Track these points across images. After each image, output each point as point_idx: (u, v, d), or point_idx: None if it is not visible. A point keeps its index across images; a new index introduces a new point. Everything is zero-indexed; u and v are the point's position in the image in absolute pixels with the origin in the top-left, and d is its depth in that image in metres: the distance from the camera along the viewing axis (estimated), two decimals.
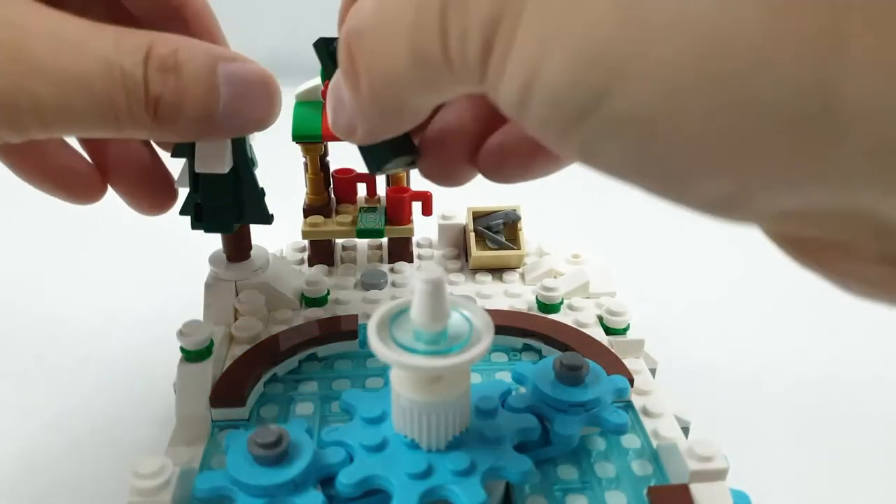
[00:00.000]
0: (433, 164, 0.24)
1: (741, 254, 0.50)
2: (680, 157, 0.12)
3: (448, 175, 0.24)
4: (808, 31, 0.11)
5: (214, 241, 0.32)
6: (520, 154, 0.23)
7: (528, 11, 0.13)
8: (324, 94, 0.32)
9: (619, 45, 0.12)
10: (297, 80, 0.33)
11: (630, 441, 0.25)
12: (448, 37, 0.15)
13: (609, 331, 0.31)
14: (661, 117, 0.12)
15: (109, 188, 0.29)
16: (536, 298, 0.32)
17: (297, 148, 0.34)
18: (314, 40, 0.24)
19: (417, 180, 0.36)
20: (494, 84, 0.15)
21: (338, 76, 0.19)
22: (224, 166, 0.29)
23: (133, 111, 0.20)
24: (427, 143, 0.24)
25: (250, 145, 0.29)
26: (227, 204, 0.29)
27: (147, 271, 0.48)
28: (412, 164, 0.24)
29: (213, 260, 0.32)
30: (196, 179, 0.29)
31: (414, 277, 0.34)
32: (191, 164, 0.29)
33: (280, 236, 0.36)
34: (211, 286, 0.31)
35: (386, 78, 0.17)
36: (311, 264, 0.37)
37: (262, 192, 0.30)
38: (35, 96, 0.19)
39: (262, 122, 0.23)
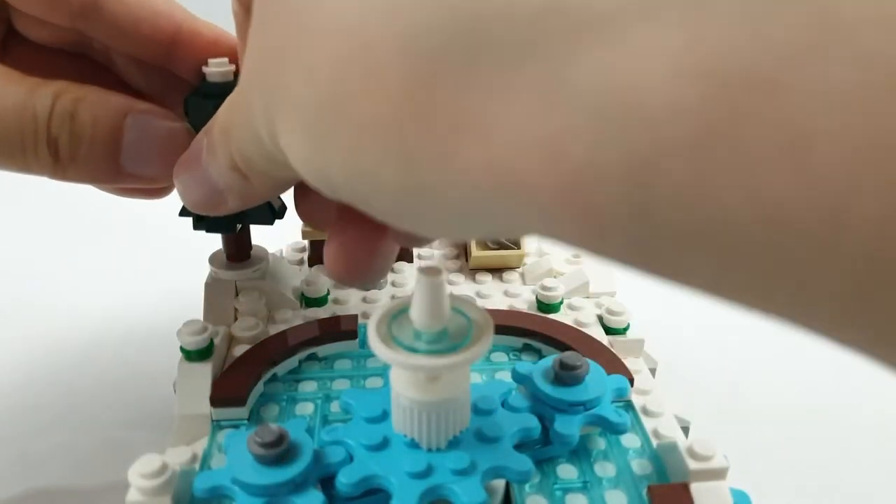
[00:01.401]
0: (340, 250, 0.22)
1: None
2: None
3: (358, 266, 0.22)
4: None
5: (214, 241, 0.32)
6: None
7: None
8: None
9: None
10: None
11: (630, 441, 0.25)
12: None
13: (609, 331, 0.31)
14: None
15: None
16: (536, 298, 0.32)
17: None
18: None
19: None
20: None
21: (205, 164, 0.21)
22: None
23: (38, 149, 0.22)
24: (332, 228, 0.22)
25: None
26: None
27: (147, 271, 0.48)
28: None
29: (213, 260, 0.32)
30: None
31: (414, 277, 0.34)
32: None
33: (280, 236, 0.36)
34: (211, 286, 0.31)
35: (248, 160, 0.19)
36: (311, 264, 0.37)
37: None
38: None
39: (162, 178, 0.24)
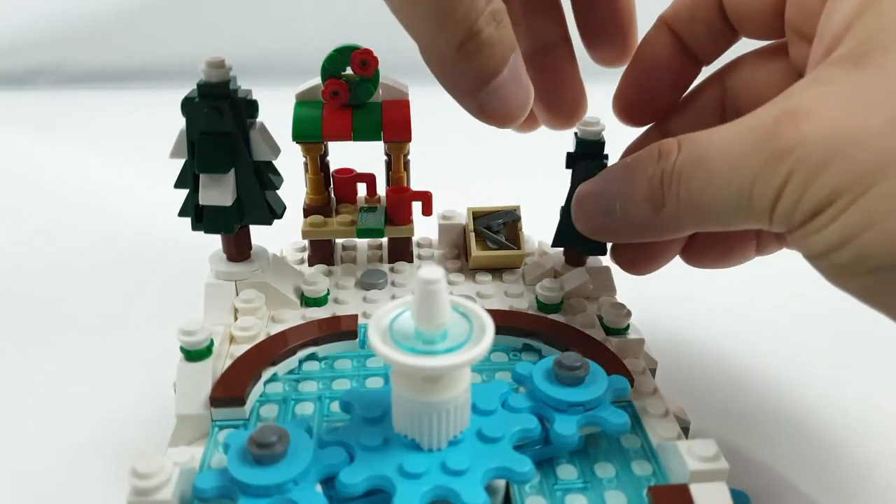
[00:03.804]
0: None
1: None
2: None
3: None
4: None
5: (214, 241, 0.32)
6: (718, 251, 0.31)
7: (861, 201, 0.19)
8: (324, 93, 0.32)
9: None
10: (297, 80, 0.33)
11: (630, 441, 0.25)
12: (781, 198, 0.20)
13: (609, 331, 0.31)
14: None
15: None
16: (536, 298, 0.32)
17: (297, 148, 0.34)
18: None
19: (418, 180, 0.36)
20: (803, 235, 0.20)
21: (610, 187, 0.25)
22: (228, 199, 0.29)
23: (450, 22, 0.23)
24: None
25: (262, 141, 0.29)
26: (228, 205, 0.29)
27: (147, 271, 0.48)
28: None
29: (213, 260, 0.32)
30: (196, 181, 0.29)
31: (414, 277, 0.34)
32: (191, 165, 0.29)
33: (280, 236, 0.36)
34: (211, 286, 0.31)
35: (699, 205, 0.22)
36: (311, 264, 0.37)
37: (272, 184, 0.30)
38: None
39: (511, 116, 0.26)
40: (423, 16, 0.23)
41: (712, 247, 0.31)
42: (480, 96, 0.25)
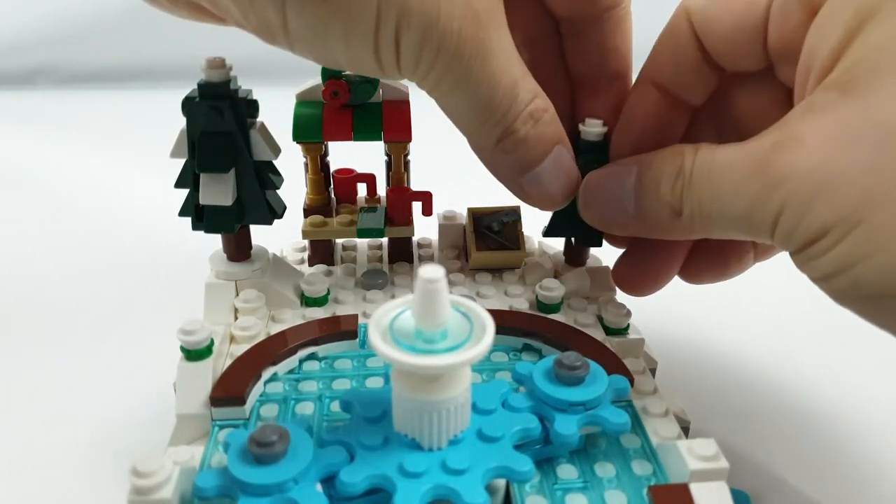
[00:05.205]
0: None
1: None
2: None
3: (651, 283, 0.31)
4: None
5: (214, 241, 0.32)
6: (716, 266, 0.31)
7: (851, 236, 0.19)
8: (324, 93, 0.32)
9: None
10: (297, 80, 0.33)
11: (630, 441, 0.25)
12: (778, 224, 0.21)
13: (609, 331, 0.31)
14: None
15: None
16: (536, 298, 0.32)
17: (297, 148, 0.34)
18: None
19: (418, 180, 0.36)
20: (803, 260, 0.21)
21: (622, 182, 0.26)
22: (229, 199, 0.29)
23: (492, 123, 0.25)
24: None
25: (262, 141, 0.29)
26: (228, 204, 0.29)
27: (147, 271, 0.48)
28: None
29: (213, 259, 0.32)
30: (196, 180, 0.30)
31: (414, 277, 0.34)
32: (191, 165, 0.29)
33: (280, 236, 0.36)
34: (211, 286, 0.31)
35: (710, 216, 0.23)
36: (311, 264, 0.37)
37: (272, 184, 0.30)
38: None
39: (551, 201, 0.28)
40: (465, 113, 0.25)
41: (710, 265, 0.31)
42: (521, 182, 0.27)
